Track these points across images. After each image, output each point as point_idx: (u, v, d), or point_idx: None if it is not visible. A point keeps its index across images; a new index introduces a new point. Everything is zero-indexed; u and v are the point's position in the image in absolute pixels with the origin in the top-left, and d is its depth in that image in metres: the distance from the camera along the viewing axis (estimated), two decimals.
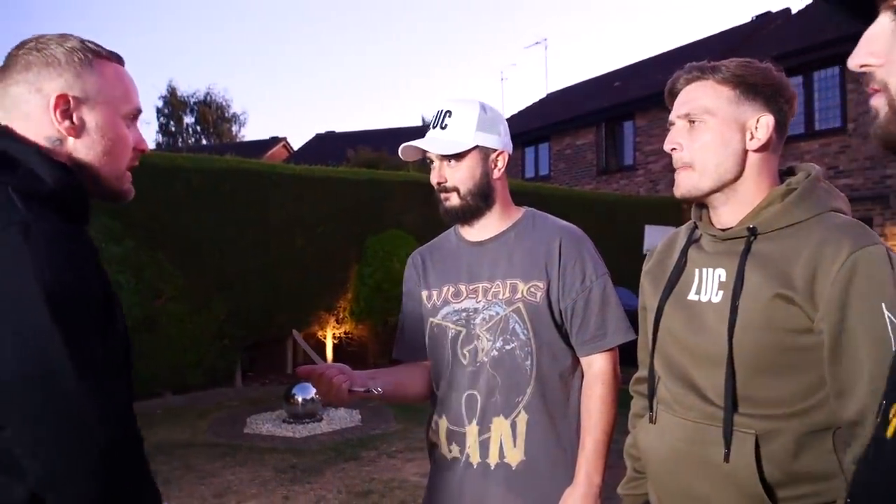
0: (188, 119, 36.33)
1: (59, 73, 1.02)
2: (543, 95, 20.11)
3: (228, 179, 7.48)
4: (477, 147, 1.56)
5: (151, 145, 34.60)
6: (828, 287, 1.10)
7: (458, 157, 1.56)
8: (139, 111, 1.13)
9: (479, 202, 1.58)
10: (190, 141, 35.46)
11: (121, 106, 1.08)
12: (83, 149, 1.05)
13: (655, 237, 9.74)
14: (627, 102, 14.01)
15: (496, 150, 1.59)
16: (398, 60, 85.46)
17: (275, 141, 28.24)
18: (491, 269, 1.60)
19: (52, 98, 1.01)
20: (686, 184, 1.26)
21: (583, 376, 1.58)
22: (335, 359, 8.21)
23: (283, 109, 77.65)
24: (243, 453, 5.09)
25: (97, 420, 0.90)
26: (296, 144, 28.84)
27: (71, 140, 1.04)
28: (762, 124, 1.23)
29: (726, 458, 1.16)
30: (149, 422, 5.97)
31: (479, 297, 1.59)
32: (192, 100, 36.24)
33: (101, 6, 67.46)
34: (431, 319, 1.64)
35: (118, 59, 1.11)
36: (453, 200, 1.58)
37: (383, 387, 1.49)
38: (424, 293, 1.68)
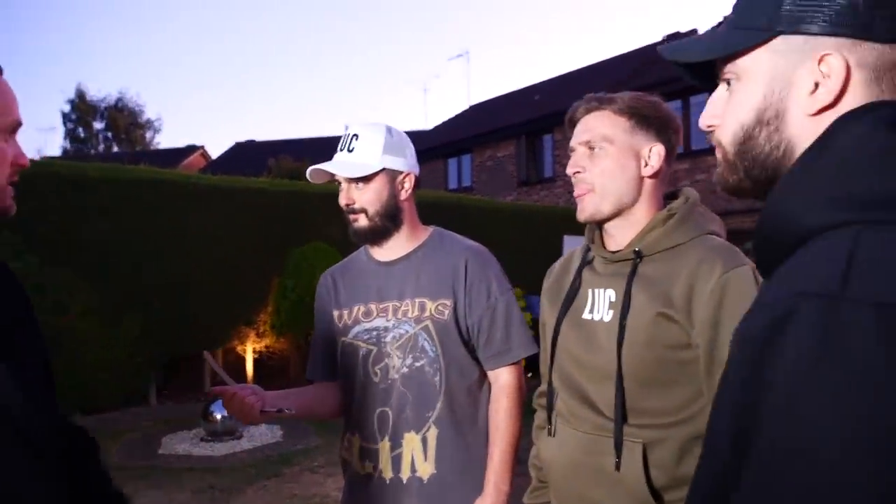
0: (98, 125, 34.63)
1: None
2: (466, 107, 20.40)
3: (142, 190, 7.21)
4: (384, 170, 1.61)
5: (58, 152, 32.66)
6: (702, 306, 1.21)
7: (366, 179, 1.60)
8: (19, 124, 1.06)
9: (386, 223, 1.62)
10: (100, 148, 33.83)
11: None
12: None
13: (574, 247, 10.08)
14: (546, 116, 14.41)
15: (403, 172, 1.64)
16: (321, 68, 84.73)
17: (192, 149, 27.38)
18: (400, 288, 1.64)
19: None
20: (589, 208, 1.35)
21: (490, 389, 1.65)
22: (255, 373, 8.05)
23: (200, 116, 75.43)
24: (158, 475, 4.91)
25: None
26: (214, 153, 28.07)
27: None
28: (654, 153, 1.34)
29: (617, 466, 1.24)
30: None
31: (389, 316, 1.63)
32: (103, 105, 34.64)
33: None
34: (343, 339, 1.67)
35: None
36: (361, 222, 1.61)
37: (295, 406, 1.51)
38: (336, 313, 1.71)
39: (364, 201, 1.60)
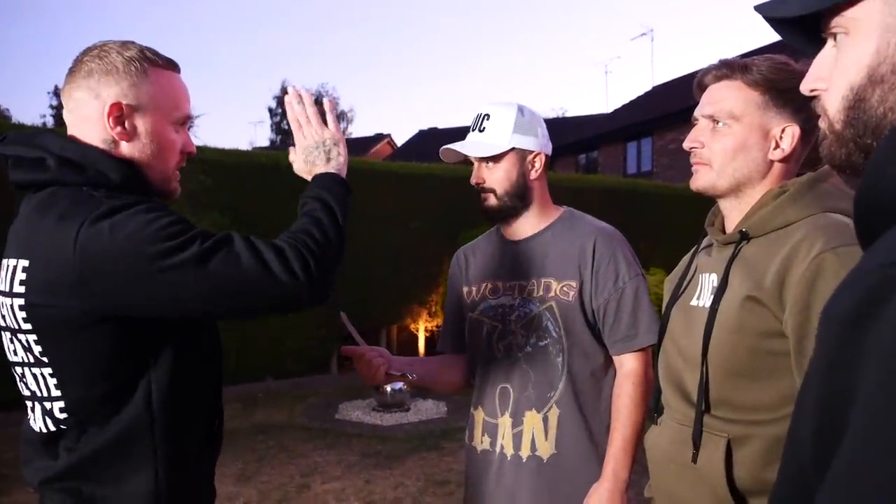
0: None
1: (116, 82, 1.10)
2: (649, 88, 19.48)
3: None
4: (513, 149, 1.61)
5: (266, 143, 36.24)
6: (792, 288, 1.06)
7: (495, 158, 1.61)
8: (188, 117, 1.21)
9: (515, 202, 1.63)
10: None
11: (170, 113, 1.17)
12: (134, 151, 1.14)
13: None
14: None
15: (533, 151, 1.63)
16: (502, 55, 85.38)
17: (380, 137, 29.04)
18: (527, 267, 1.65)
19: (107, 105, 1.10)
20: (703, 180, 1.24)
21: (616, 375, 1.60)
22: (427, 351, 8.42)
23: (388, 106, 79.77)
24: (332, 437, 5.36)
25: None
26: (399, 140, 29.54)
27: (123, 143, 1.13)
28: (787, 135, 1.18)
29: (694, 458, 1.15)
30: (252, 403, 6.42)
31: (515, 295, 1.64)
32: None
33: (216, 13, 72.05)
34: (470, 314, 1.71)
35: (174, 67, 1.19)
36: (491, 200, 1.64)
37: (419, 373, 1.59)
38: (465, 289, 1.75)
39: (493, 180, 1.62)
